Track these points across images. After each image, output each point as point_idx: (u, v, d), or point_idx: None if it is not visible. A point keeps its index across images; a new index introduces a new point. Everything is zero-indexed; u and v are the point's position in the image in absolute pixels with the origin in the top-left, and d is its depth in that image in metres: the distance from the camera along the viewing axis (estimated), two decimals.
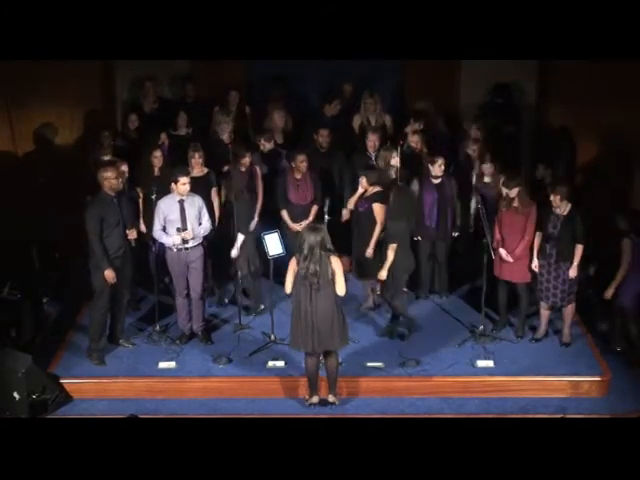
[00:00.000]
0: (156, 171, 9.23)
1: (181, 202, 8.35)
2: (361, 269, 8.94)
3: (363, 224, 8.74)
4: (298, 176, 9.29)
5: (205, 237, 8.58)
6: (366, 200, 8.74)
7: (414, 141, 9.69)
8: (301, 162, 9.22)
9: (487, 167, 9.17)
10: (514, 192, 8.36)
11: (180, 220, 8.32)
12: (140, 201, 9.02)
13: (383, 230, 8.64)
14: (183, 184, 8.26)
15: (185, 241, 8.31)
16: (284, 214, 9.37)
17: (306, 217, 9.33)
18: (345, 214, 9.19)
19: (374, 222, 8.68)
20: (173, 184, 8.30)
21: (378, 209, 8.64)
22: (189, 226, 8.33)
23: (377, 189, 8.72)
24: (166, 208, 8.36)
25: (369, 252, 8.73)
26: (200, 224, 8.46)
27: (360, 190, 8.79)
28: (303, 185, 9.33)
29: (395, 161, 9.06)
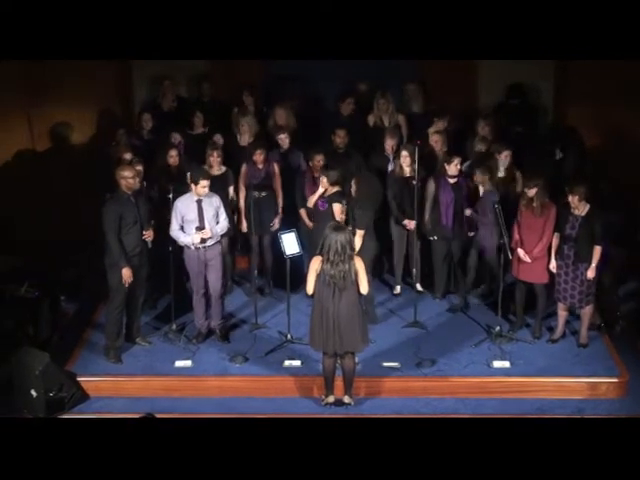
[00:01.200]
0: (173, 170, 9.22)
1: (199, 202, 8.37)
2: None
3: (323, 223, 8.61)
4: (316, 175, 9.26)
5: (223, 235, 8.59)
6: (326, 200, 8.80)
7: (435, 140, 9.65)
8: (318, 161, 9.22)
9: (501, 157, 9.08)
10: (532, 192, 8.34)
11: (198, 220, 8.33)
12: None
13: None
14: (203, 187, 8.27)
15: (203, 240, 8.33)
16: (302, 213, 9.35)
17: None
18: (302, 213, 9.22)
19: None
20: (193, 185, 8.31)
21: (337, 209, 8.69)
22: (207, 225, 8.35)
23: (336, 189, 8.78)
24: (184, 208, 8.36)
25: None
26: (217, 223, 8.46)
27: (320, 190, 8.85)
28: (320, 184, 9.20)
29: (405, 160, 9.12)
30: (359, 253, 8.15)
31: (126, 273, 8.15)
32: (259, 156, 9.28)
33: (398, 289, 9.69)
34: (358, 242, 8.37)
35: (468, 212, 9.06)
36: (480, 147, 9.53)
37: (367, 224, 8.55)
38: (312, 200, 8.96)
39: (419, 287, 9.56)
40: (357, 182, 8.75)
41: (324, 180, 8.80)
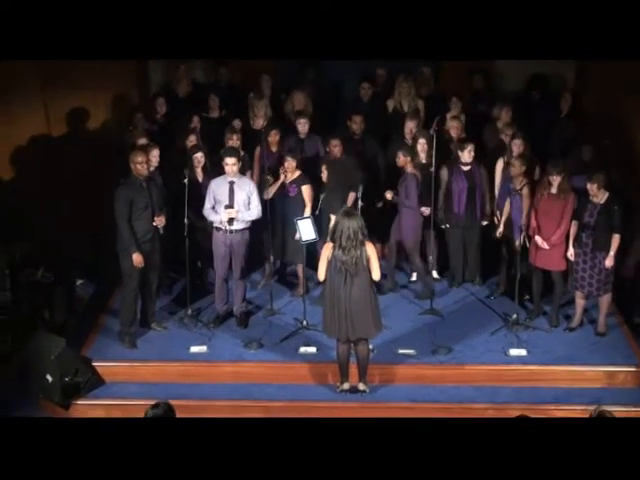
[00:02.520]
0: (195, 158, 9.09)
1: (231, 183, 8.40)
2: (292, 253, 9.01)
3: (294, 208, 8.81)
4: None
5: (253, 222, 8.58)
6: (294, 184, 8.83)
7: (453, 126, 9.57)
8: (335, 146, 9.16)
9: (517, 143, 8.97)
10: (558, 179, 8.26)
11: (228, 201, 8.37)
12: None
13: (314, 210, 8.83)
14: (227, 164, 8.31)
15: (231, 220, 8.33)
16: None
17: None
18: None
19: (304, 205, 8.86)
20: (223, 164, 8.38)
21: (307, 190, 8.82)
22: (235, 206, 8.36)
23: (299, 172, 8.85)
24: (216, 188, 8.41)
25: None
26: (249, 209, 8.45)
27: (282, 178, 8.85)
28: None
29: (421, 147, 9.08)
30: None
31: (136, 258, 8.15)
32: (274, 137, 9.29)
33: (414, 276, 9.66)
34: (331, 227, 8.40)
35: (389, 195, 9.08)
36: (506, 134, 9.42)
37: (337, 207, 8.43)
38: (271, 192, 8.83)
39: (435, 274, 9.53)
40: (327, 167, 8.79)
41: (291, 163, 8.77)
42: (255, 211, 8.50)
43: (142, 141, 9.05)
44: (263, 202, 8.61)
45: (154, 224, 8.27)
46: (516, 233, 8.53)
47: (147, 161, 8.24)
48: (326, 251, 7.42)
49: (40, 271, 8.78)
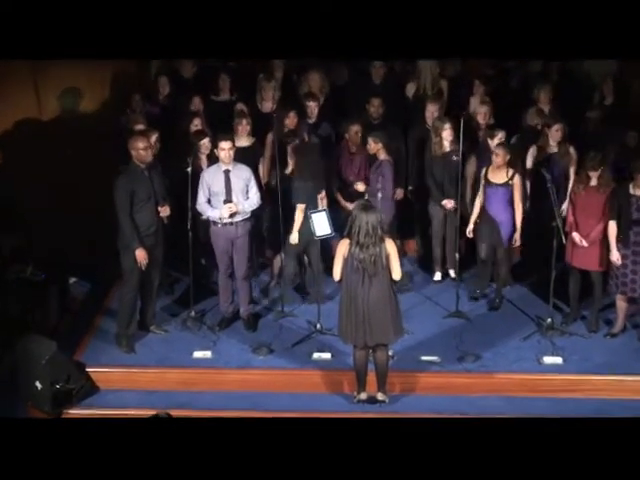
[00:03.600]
0: (194, 141, 9.08)
1: (226, 172, 8.28)
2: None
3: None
4: (353, 149, 9.18)
5: (253, 212, 8.52)
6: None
7: (481, 112, 9.45)
8: (355, 133, 9.10)
9: (557, 129, 8.92)
10: (596, 173, 8.18)
11: (225, 192, 8.26)
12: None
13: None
14: (222, 149, 8.16)
15: (232, 215, 8.27)
16: (338, 195, 9.30)
17: (362, 196, 9.13)
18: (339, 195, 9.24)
19: None
20: (216, 150, 8.24)
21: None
22: (234, 198, 8.27)
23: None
24: (210, 178, 8.31)
25: None
26: (248, 198, 8.38)
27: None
28: (358, 160, 9.21)
29: (447, 134, 8.98)
30: (301, 231, 8.57)
31: (140, 254, 8.08)
32: (292, 119, 9.21)
33: (438, 276, 9.60)
34: (298, 218, 8.50)
35: (361, 187, 9.09)
36: (535, 120, 9.35)
37: (308, 196, 8.51)
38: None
39: (452, 274, 9.47)
40: (295, 152, 8.76)
41: (373, 144, 8.82)
42: (255, 199, 8.42)
43: (139, 126, 9.01)
44: (272, 191, 8.57)
45: (160, 215, 8.23)
46: (504, 231, 8.64)
47: (150, 147, 8.17)
48: (342, 248, 7.34)
49: (30, 268, 8.72)
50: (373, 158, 9.07)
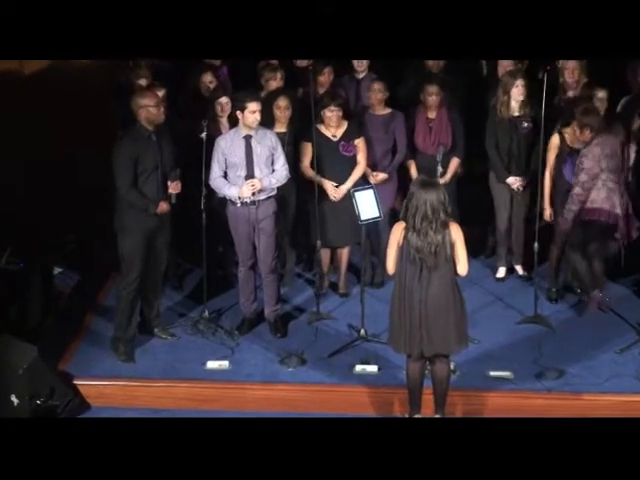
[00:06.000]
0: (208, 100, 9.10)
1: (247, 139, 8.24)
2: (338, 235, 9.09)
3: (346, 174, 8.94)
4: (431, 115, 9.13)
5: (280, 188, 8.48)
6: (343, 141, 8.94)
7: (570, 67, 9.15)
8: (431, 94, 9.03)
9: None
10: None
11: (245, 163, 8.22)
12: None
13: None
14: (252, 112, 8.11)
15: (254, 193, 8.24)
16: (411, 165, 9.23)
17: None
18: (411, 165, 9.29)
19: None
20: (239, 113, 8.17)
21: (362, 145, 8.99)
22: (257, 172, 8.24)
23: (346, 124, 8.98)
24: (227, 147, 8.30)
25: None
26: (273, 170, 8.34)
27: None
28: (437, 127, 9.16)
29: (518, 92, 8.91)
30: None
31: (162, 207, 8.07)
32: (327, 76, 9.30)
33: (501, 272, 9.57)
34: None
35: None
36: None
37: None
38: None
39: (520, 270, 9.54)
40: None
41: (337, 113, 8.76)
42: (282, 172, 8.44)
43: (142, 82, 9.03)
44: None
45: (169, 191, 8.18)
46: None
47: (159, 103, 8.13)
48: (396, 233, 7.22)
49: (5, 255, 8.70)
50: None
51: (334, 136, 8.80)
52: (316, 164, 8.66)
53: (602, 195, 8.38)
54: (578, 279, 8.98)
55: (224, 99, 8.88)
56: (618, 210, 8.42)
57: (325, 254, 9.15)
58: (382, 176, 9.03)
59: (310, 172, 8.65)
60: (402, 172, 9.33)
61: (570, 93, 9.20)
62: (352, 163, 8.83)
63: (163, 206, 8.08)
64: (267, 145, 8.31)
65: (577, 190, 8.38)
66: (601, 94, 8.80)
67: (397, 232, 7.22)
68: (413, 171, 9.21)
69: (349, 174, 8.78)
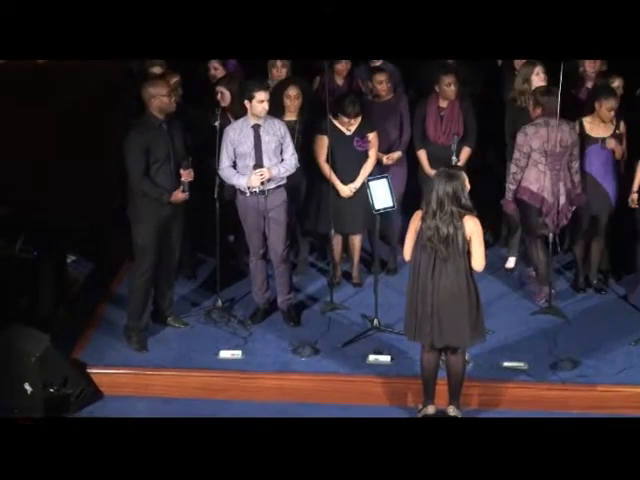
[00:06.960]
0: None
1: (256, 128, 8.24)
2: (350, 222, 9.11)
3: (357, 167, 8.97)
4: (443, 104, 9.12)
5: (289, 177, 8.46)
6: (357, 136, 8.91)
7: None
8: (448, 85, 8.99)
9: None
10: None
11: (254, 153, 8.24)
12: None
13: None
14: (260, 101, 8.11)
15: (263, 182, 8.25)
16: (421, 155, 9.22)
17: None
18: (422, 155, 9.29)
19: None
20: (247, 102, 8.15)
21: (374, 139, 8.99)
22: (266, 161, 8.24)
23: (359, 117, 8.98)
24: (236, 136, 8.28)
25: None
26: (282, 160, 8.35)
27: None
28: (449, 117, 9.15)
29: (539, 79, 8.86)
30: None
31: (177, 195, 8.06)
32: (343, 66, 9.30)
33: (511, 262, 9.55)
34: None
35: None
36: None
37: None
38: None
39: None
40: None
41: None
42: (291, 162, 8.42)
43: (156, 69, 9.04)
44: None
45: (182, 180, 8.14)
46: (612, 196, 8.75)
47: (171, 92, 8.14)
48: (415, 220, 7.25)
49: (19, 243, 8.75)
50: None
51: (348, 130, 8.76)
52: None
53: (532, 176, 8.47)
54: (533, 266, 9.07)
55: (220, 88, 8.84)
56: (546, 194, 8.47)
57: (337, 242, 9.09)
58: (397, 154, 9.08)
59: (326, 169, 8.61)
60: (413, 160, 9.34)
61: (589, 84, 9.13)
62: (365, 158, 8.85)
63: (178, 195, 8.08)
64: (276, 134, 8.33)
65: (512, 168, 8.53)
66: (617, 82, 8.72)
67: (415, 220, 7.25)
68: (424, 160, 9.23)
69: (361, 169, 8.83)
